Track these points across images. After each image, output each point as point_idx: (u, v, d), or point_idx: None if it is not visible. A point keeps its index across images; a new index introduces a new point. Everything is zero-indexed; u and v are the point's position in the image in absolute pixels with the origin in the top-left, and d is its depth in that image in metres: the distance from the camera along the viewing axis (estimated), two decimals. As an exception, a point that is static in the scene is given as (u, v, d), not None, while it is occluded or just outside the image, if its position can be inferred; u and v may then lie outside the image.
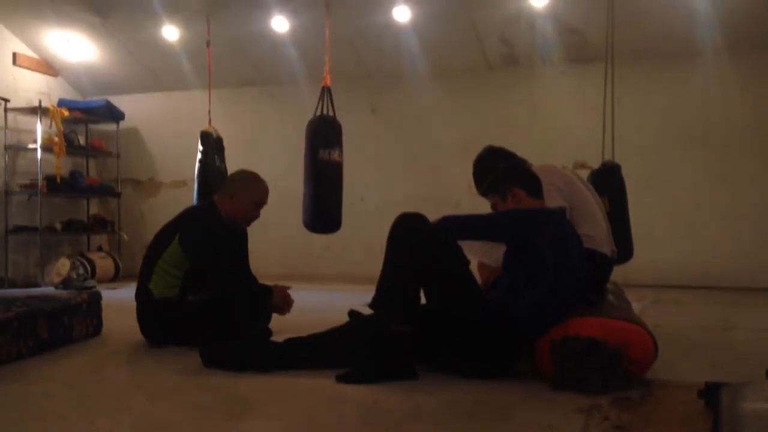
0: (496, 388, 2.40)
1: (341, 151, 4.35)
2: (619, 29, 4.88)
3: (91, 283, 6.32)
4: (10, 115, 6.64)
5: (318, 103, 4.39)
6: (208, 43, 5.40)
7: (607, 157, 4.74)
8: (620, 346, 2.34)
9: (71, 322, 3.31)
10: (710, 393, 2.02)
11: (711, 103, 5.91)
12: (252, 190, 3.40)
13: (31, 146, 6.66)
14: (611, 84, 4.79)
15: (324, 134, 4.33)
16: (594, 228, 3.13)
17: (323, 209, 4.35)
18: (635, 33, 5.49)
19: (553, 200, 2.94)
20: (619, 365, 2.32)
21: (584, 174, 4.47)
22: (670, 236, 5.93)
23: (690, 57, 5.81)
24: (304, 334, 2.80)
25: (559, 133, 6.15)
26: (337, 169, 4.35)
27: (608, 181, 4.50)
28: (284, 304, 3.32)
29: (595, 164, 4.75)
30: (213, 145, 5.31)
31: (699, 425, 1.95)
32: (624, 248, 4.16)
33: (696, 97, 5.95)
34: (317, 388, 2.42)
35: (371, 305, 2.67)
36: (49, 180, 6.63)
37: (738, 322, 4.09)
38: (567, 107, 6.23)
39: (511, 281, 2.61)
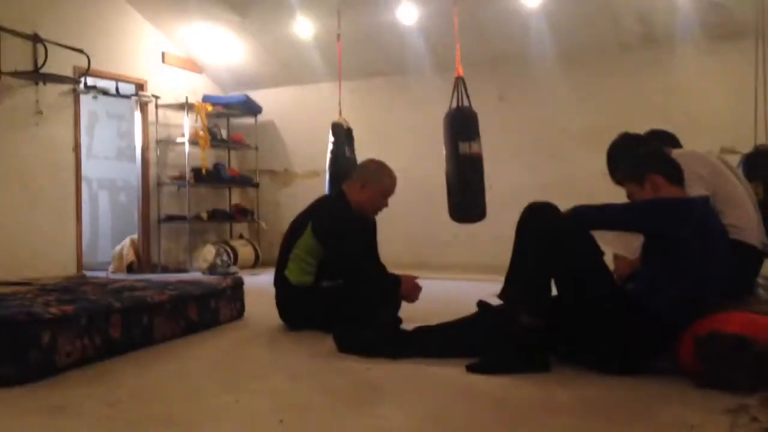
0: (633, 384, 2.31)
1: (480, 141, 4.39)
2: (770, 1, 4.52)
3: (234, 269, 6.71)
4: (160, 111, 7.17)
5: (453, 94, 4.39)
6: (338, 37, 5.54)
7: (759, 140, 4.41)
8: (771, 345, 2.18)
9: (218, 306, 3.54)
10: None
11: None
12: (382, 181, 3.48)
13: (179, 140, 7.16)
14: (762, 62, 4.43)
15: (463, 126, 4.38)
16: (742, 218, 2.93)
17: (469, 201, 4.43)
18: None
19: (695, 189, 2.77)
20: (769, 365, 2.17)
21: (733, 159, 4.18)
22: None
23: None
24: (433, 323, 2.84)
25: (701, 116, 5.77)
26: (477, 160, 4.40)
27: (762, 166, 4.18)
28: (412, 293, 3.38)
29: (744, 149, 4.43)
30: (343, 136, 5.45)
31: None
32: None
33: None
34: (447, 378, 2.43)
35: (500, 296, 2.65)
36: (196, 172, 7.11)
37: None
38: (711, 88, 5.84)
39: (651, 274, 2.49)
